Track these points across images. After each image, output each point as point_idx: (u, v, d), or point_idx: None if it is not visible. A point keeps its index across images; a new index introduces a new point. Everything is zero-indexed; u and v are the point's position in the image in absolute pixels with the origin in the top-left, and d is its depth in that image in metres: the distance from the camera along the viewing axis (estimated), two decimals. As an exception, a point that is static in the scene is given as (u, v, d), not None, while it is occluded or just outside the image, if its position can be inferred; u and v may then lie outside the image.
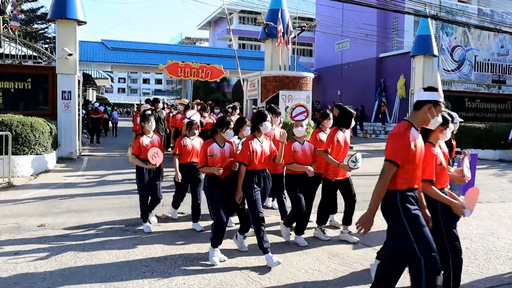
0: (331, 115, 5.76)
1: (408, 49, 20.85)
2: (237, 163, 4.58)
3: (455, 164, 5.36)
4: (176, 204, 6.26)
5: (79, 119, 12.98)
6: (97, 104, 21.17)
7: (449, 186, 3.72)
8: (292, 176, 5.22)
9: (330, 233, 5.65)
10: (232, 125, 4.71)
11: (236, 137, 5.15)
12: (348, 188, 5.46)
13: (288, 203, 5.66)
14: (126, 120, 38.67)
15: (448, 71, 18.12)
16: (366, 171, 7.68)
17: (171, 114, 13.64)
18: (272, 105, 6.05)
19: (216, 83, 31.52)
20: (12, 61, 12.20)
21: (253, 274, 4.23)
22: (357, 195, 5.55)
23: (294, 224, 5.34)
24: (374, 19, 24.52)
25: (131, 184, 8.90)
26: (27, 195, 7.69)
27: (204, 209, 5.69)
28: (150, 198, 5.78)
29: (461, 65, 18.46)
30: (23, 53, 12.44)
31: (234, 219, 5.49)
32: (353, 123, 5.48)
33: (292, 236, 5.34)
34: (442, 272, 3.30)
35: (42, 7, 30.83)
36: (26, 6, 29.09)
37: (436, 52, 16.47)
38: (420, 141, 3.11)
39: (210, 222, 5.78)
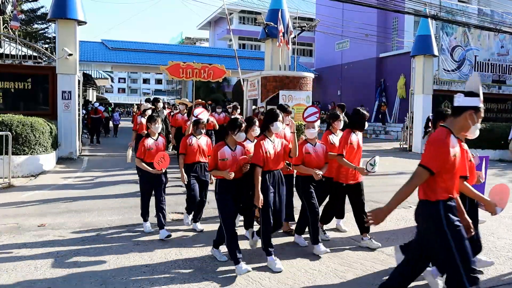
0: (341, 117, 5.57)
1: (408, 49, 20.85)
2: (248, 164, 4.45)
3: None
4: (189, 208, 5.79)
5: (79, 119, 12.99)
6: (97, 104, 21.13)
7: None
8: (305, 178, 4.98)
9: (333, 234, 5.65)
10: (244, 127, 4.50)
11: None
12: (358, 192, 5.23)
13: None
14: (126, 120, 38.64)
15: (448, 71, 18.11)
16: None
17: (171, 114, 13.64)
18: (282, 103, 5.75)
19: (216, 83, 31.51)
20: (12, 61, 12.20)
21: (253, 274, 4.22)
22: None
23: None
24: (374, 19, 24.53)
25: (131, 184, 8.90)
26: (27, 195, 7.69)
27: (206, 209, 5.67)
28: (155, 201, 5.55)
29: (461, 65, 18.45)
30: (23, 53, 12.44)
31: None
32: (366, 125, 5.32)
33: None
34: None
35: (42, 7, 30.86)
36: (26, 6, 29.10)
37: (436, 52, 16.47)
38: (458, 149, 2.98)
39: (211, 225, 5.79)
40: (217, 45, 40.34)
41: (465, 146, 3.60)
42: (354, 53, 27.03)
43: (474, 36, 18.69)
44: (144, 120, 8.95)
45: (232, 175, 4.32)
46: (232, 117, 11.37)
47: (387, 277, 3.26)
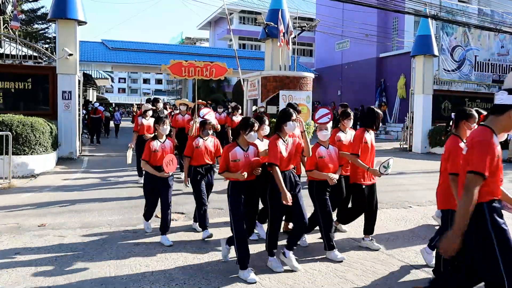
0: (352, 115, 5.50)
1: (408, 49, 20.84)
2: (259, 168, 4.33)
3: None
4: (201, 219, 5.48)
5: (79, 119, 13.00)
6: (97, 104, 21.11)
7: None
8: (319, 183, 4.74)
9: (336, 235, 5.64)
10: (256, 127, 4.32)
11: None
12: (372, 193, 5.08)
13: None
14: (126, 120, 38.65)
15: (448, 71, 18.10)
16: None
17: (172, 114, 13.62)
18: (292, 102, 5.56)
19: (216, 83, 31.55)
20: (13, 61, 12.21)
21: (253, 274, 4.22)
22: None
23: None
24: (374, 19, 24.53)
25: (131, 184, 8.91)
26: (27, 195, 7.70)
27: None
28: (161, 205, 5.34)
29: (461, 65, 18.44)
30: (23, 53, 12.45)
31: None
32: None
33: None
34: None
35: (42, 7, 30.85)
36: (26, 6, 29.09)
37: (436, 52, 16.47)
38: (499, 149, 2.82)
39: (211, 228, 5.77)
40: (217, 45, 40.35)
41: None
42: (354, 53, 27.03)
43: (474, 36, 18.68)
44: (145, 121, 8.86)
45: (246, 175, 4.17)
46: (234, 117, 11.25)
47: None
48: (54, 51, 12.57)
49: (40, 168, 9.92)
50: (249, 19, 38.50)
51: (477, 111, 3.84)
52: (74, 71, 12.29)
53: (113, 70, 31.37)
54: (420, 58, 16.51)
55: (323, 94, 29.45)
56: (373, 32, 24.21)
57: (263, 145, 4.83)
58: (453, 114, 4.02)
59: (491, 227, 2.72)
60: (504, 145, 14.29)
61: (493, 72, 19.33)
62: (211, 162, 5.58)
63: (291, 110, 4.44)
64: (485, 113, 3.72)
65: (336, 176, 4.70)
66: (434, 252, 4.37)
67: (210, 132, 5.60)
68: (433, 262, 4.27)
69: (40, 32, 30.45)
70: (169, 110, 14.34)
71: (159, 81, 79.14)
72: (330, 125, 4.93)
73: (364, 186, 4.99)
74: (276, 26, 13.84)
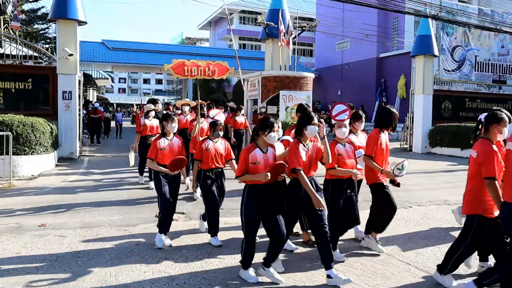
0: (363, 117, 5.34)
1: (408, 49, 20.84)
2: (283, 175, 4.10)
3: None
4: (212, 228, 5.22)
5: (79, 119, 13.00)
6: (97, 104, 21.09)
7: None
8: (335, 182, 4.58)
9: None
10: (276, 128, 4.09)
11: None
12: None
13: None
14: (126, 120, 38.63)
15: (449, 71, 18.09)
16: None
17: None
18: (302, 103, 5.33)
19: (216, 83, 31.55)
20: (13, 61, 12.22)
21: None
22: (359, 195, 5.33)
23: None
24: (375, 19, 24.53)
25: (132, 184, 8.92)
26: (28, 195, 7.70)
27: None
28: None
29: (462, 65, 18.43)
30: (23, 53, 12.46)
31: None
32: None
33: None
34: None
35: (42, 7, 30.89)
36: (26, 7, 29.11)
37: (436, 52, 16.47)
38: None
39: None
40: (217, 45, 40.35)
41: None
42: (355, 53, 27.04)
43: (474, 36, 18.67)
44: (148, 122, 8.68)
45: (269, 175, 3.91)
46: (236, 117, 11.08)
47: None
48: (54, 51, 12.58)
49: (40, 168, 9.93)
50: (249, 19, 38.51)
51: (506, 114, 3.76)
52: (74, 71, 12.30)
53: (113, 70, 31.35)
54: (420, 58, 16.51)
55: (323, 94, 29.47)
56: (373, 32, 24.22)
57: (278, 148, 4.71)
58: (482, 116, 3.96)
59: None
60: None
61: (493, 72, 19.31)
62: (222, 166, 5.32)
63: (312, 113, 4.24)
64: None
65: (359, 172, 4.61)
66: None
67: (221, 133, 5.35)
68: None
69: (41, 32, 30.49)
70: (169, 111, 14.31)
71: (159, 81, 79.15)
72: (348, 122, 4.75)
73: (385, 184, 4.85)
74: (276, 26, 13.85)
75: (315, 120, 4.10)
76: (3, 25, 15.94)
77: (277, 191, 4.14)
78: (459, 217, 5.72)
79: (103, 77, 30.64)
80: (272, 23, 14.35)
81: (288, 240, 4.90)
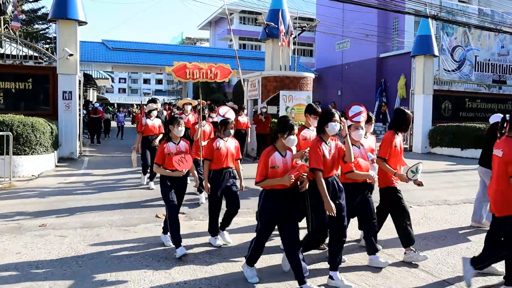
0: (373, 119, 5.19)
1: (408, 49, 20.84)
2: (303, 174, 3.87)
3: None
4: (213, 228, 5.21)
5: (79, 119, 13.01)
6: (97, 105, 21.07)
7: None
8: (351, 186, 4.40)
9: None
10: (296, 130, 3.89)
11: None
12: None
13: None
14: (126, 120, 38.59)
15: (449, 71, 18.10)
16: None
17: (174, 114, 13.58)
18: (312, 103, 5.22)
19: (217, 84, 31.50)
20: (13, 61, 12.23)
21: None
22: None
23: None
24: (375, 19, 24.53)
25: (132, 184, 8.92)
26: (28, 195, 7.70)
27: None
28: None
29: (462, 65, 18.44)
30: (24, 54, 12.47)
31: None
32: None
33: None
34: None
35: (43, 7, 30.90)
36: (27, 7, 29.12)
37: (436, 52, 16.49)
38: None
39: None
40: (217, 45, 40.36)
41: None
42: (355, 53, 27.04)
43: (474, 36, 18.68)
44: (149, 122, 8.52)
45: (293, 178, 3.72)
46: (239, 117, 10.75)
47: None
48: (54, 51, 12.58)
49: (40, 168, 9.93)
50: (249, 19, 38.52)
51: None
52: (75, 71, 12.31)
53: (114, 70, 31.37)
54: (420, 58, 16.52)
55: (324, 94, 29.47)
56: (373, 32, 24.22)
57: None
58: (507, 116, 3.94)
59: None
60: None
61: (493, 72, 19.32)
62: (232, 166, 5.14)
63: (333, 110, 4.10)
64: None
65: (376, 175, 4.49)
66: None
67: (232, 132, 5.15)
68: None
69: (41, 32, 30.50)
70: (169, 111, 14.31)
71: (159, 81, 79.17)
72: (363, 124, 4.60)
73: (398, 188, 4.73)
74: (276, 26, 13.86)
75: (336, 116, 3.99)
76: (4, 25, 15.95)
77: (296, 195, 4.01)
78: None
79: (103, 77, 30.65)
80: (272, 23, 14.36)
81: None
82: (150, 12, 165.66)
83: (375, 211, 4.67)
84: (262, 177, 3.84)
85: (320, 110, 4.94)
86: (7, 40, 12.96)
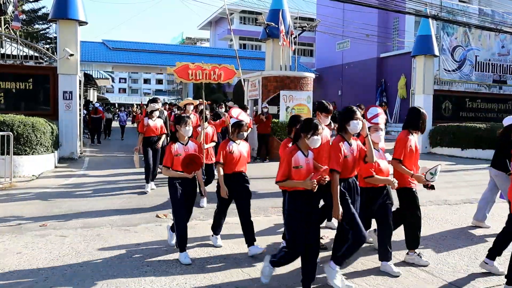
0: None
1: (408, 49, 20.86)
2: (326, 177, 3.72)
3: None
4: (216, 228, 5.10)
5: (80, 119, 13.02)
6: (97, 105, 21.05)
7: None
8: (370, 191, 4.29)
9: (332, 235, 5.65)
10: (321, 130, 3.77)
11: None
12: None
13: None
14: (129, 120, 38.61)
15: (449, 71, 18.10)
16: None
17: (172, 114, 13.56)
18: (323, 101, 5.01)
19: (217, 84, 31.53)
20: (14, 62, 12.23)
21: (254, 274, 4.23)
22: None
23: None
24: (375, 19, 24.55)
25: (132, 184, 8.92)
26: (29, 195, 7.71)
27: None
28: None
29: (462, 65, 18.45)
30: (24, 54, 12.48)
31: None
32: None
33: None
34: None
35: (43, 7, 30.86)
36: (27, 7, 29.10)
37: (436, 52, 16.48)
38: None
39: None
40: (217, 45, 40.39)
41: None
42: (355, 53, 27.05)
43: (474, 36, 18.68)
44: (151, 122, 8.31)
45: (315, 183, 3.59)
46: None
47: None
48: (55, 51, 12.59)
49: (41, 168, 9.94)
50: (249, 19, 38.53)
51: None
52: (75, 71, 12.32)
53: (114, 70, 31.39)
54: (420, 58, 16.52)
55: (324, 94, 29.46)
56: (374, 32, 24.24)
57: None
58: (507, 120, 3.95)
59: None
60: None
61: (494, 72, 19.32)
62: (245, 170, 4.93)
63: (354, 107, 3.99)
64: None
65: (396, 180, 4.31)
66: None
67: (245, 134, 4.95)
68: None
69: (41, 32, 30.48)
70: (169, 111, 14.28)
71: (159, 81, 79.20)
72: (383, 126, 4.46)
73: (414, 190, 4.58)
74: (276, 26, 13.86)
75: (358, 114, 3.87)
76: (4, 25, 15.94)
77: (319, 198, 3.92)
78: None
79: (103, 77, 30.67)
80: (272, 23, 14.36)
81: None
82: (150, 12, 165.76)
83: (391, 216, 4.51)
84: (284, 177, 3.71)
85: (331, 108, 4.83)
86: (8, 40, 12.96)
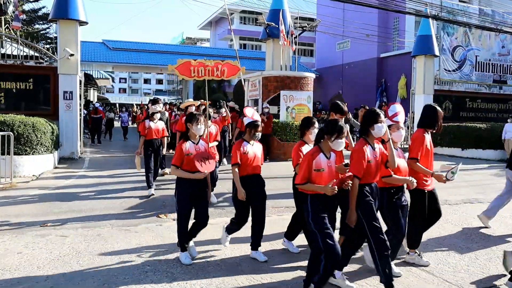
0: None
1: (409, 49, 20.85)
2: (349, 182, 3.67)
3: None
4: (232, 228, 4.90)
5: (80, 119, 13.02)
6: (97, 105, 21.02)
7: None
8: (389, 190, 4.15)
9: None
10: (345, 133, 3.69)
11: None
12: (435, 199, 4.58)
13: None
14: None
15: (449, 71, 18.10)
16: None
17: (173, 114, 13.57)
18: (338, 101, 4.82)
19: (217, 83, 31.53)
20: (14, 62, 12.24)
21: (255, 273, 4.24)
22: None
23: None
24: (375, 19, 24.54)
25: (133, 184, 8.92)
26: (29, 195, 7.71)
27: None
28: (194, 220, 4.64)
29: (462, 65, 18.45)
30: (24, 54, 12.48)
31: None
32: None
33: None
34: None
35: (43, 7, 30.86)
36: (27, 7, 29.11)
37: (437, 52, 16.49)
38: None
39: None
40: (218, 45, 40.37)
41: None
42: (355, 53, 27.04)
43: (475, 36, 18.69)
44: (153, 125, 8.08)
45: (335, 188, 3.53)
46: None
47: None
48: (55, 51, 12.59)
49: (41, 168, 9.94)
50: (250, 19, 38.52)
51: None
52: (75, 71, 12.32)
53: (114, 70, 31.38)
54: (421, 58, 16.52)
55: (324, 94, 29.45)
56: (374, 32, 24.23)
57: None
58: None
59: None
60: (500, 145, 14.34)
61: (494, 72, 19.32)
62: (259, 172, 4.74)
63: (378, 110, 3.88)
64: None
65: (415, 180, 4.14)
66: None
67: (259, 135, 4.77)
68: None
69: (41, 32, 30.49)
70: (169, 111, 14.29)
71: (159, 81, 79.17)
72: (403, 124, 4.32)
73: (426, 191, 4.46)
74: (277, 26, 13.86)
75: (382, 117, 3.77)
76: (4, 25, 15.94)
77: (337, 203, 3.85)
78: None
79: (103, 77, 30.67)
80: (272, 23, 14.36)
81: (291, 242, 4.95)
82: (150, 12, 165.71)
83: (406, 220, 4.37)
84: (304, 180, 3.62)
85: (346, 109, 4.68)
86: (8, 40, 12.97)
